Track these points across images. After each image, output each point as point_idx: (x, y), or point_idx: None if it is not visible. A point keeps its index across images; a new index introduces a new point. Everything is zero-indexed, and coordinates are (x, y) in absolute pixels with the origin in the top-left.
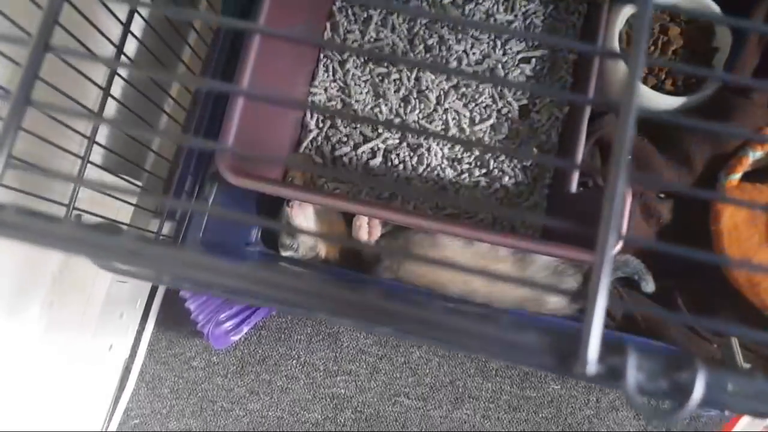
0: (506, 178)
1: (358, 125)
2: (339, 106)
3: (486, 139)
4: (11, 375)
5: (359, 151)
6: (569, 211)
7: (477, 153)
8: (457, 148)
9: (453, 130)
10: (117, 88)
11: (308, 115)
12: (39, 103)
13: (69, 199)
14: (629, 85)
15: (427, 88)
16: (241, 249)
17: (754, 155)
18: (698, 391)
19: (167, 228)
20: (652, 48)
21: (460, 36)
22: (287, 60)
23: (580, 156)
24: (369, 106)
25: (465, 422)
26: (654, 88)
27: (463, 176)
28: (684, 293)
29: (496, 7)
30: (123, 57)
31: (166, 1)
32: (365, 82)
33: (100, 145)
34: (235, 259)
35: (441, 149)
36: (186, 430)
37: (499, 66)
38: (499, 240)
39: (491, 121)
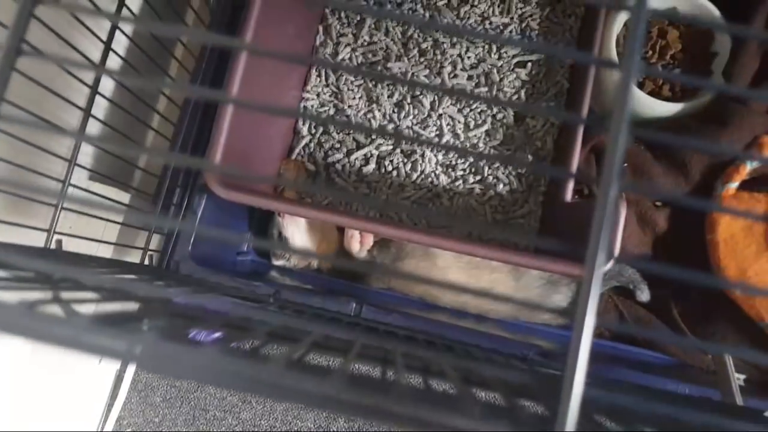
0: (501, 186)
1: (352, 131)
2: (332, 112)
3: (481, 145)
4: (3, 386)
5: (352, 157)
6: (564, 220)
7: (471, 159)
8: (451, 154)
9: (447, 136)
10: (100, 104)
11: (300, 121)
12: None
13: (50, 222)
14: (622, 95)
15: (421, 93)
16: (232, 259)
17: (751, 164)
18: None
19: (155, 241)
20: (651, 53)
21: (455, 39)
22: (278, 65)
23: (575, 163)
24: (362, 112)
25: None
26: (651, 93)
27: (457, 183)
28: (679, 303)
29: (491, 9)
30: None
31: (152, 17)
32: (358, 87)
33: (81, 166)
34: (226, 271)
35: (435, 156)
36: None
37: (495, 70)
38: (491, 254)
39: (486, 127)
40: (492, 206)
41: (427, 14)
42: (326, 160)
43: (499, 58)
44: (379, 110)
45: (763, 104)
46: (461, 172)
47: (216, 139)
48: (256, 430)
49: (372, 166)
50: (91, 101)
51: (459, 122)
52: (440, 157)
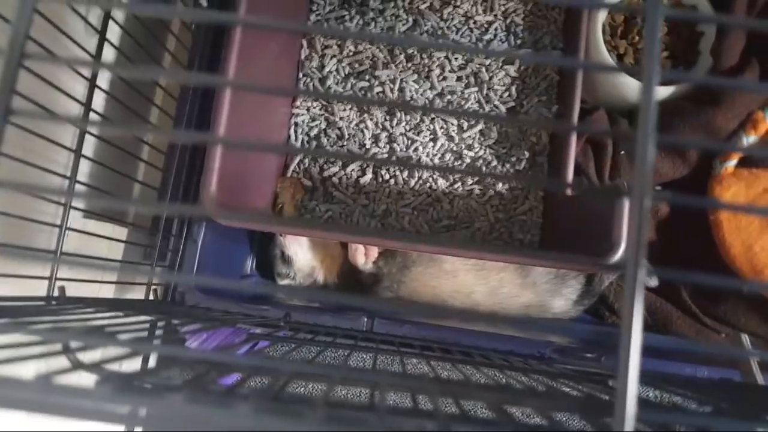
0: (500, 185)
1: (345, 143)
2: (323, 126)
3: (476, 145)
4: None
5: (348, 169)
6: (566, 213)
7: (468, 160)
8: (447, 157)
9: (442, 139)
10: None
11: (293, 137)
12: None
13: (50, 271)
14: (645, 104)
15: (412, 98)
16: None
17: (747, 140)
18: None
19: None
20: (637, 38)
21: (440, 41)
22: (266, 82)
23: (572, 157)
24: (354, 123)
25: None
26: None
27: (456, 185)
28: (688, 285)
29: (474, 8)
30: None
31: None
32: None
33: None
34: (231, 297)
35: (431, 160)
36: None
37: (483, 69)
38: (499, 257)
39: (480, 127)
40: (493, 206)
41: (411, 18)
42: (322, 174)
43: (487, 56)
44: (371, 119)
45: (755, 80)
46: (458, 174)
47: (210, 165)
48: None
49: (369, 176)
50: (80, 142)
51: (452, 124)
52: (436, 160)
